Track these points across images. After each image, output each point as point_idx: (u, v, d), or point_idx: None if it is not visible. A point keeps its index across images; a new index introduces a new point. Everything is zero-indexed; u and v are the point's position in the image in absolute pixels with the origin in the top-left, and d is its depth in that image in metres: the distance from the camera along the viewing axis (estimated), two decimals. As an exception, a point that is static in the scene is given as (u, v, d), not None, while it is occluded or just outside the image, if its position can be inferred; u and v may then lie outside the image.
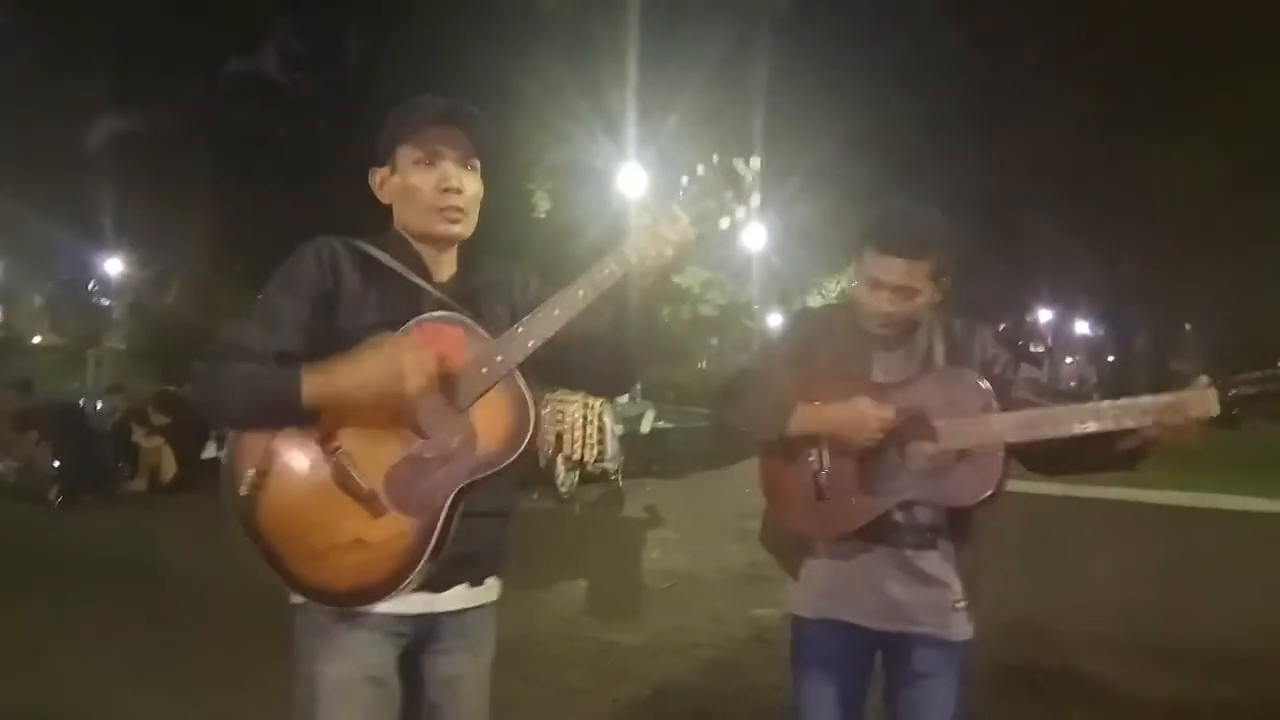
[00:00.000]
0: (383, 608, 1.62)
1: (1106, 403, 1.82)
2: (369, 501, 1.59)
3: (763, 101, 17.96)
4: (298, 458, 1.63)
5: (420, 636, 1.71)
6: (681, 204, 1.62)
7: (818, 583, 2.09)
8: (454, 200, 1.73)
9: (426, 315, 1.65)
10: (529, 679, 4.13)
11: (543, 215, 18.48)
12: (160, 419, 9.53)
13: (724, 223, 1.63)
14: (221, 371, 1.64)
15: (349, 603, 1.62)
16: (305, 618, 1.68)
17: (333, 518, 1.60)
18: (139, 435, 9.43)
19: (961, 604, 2.03)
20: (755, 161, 1.62)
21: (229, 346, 1.65)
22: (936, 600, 2.02)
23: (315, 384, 1.58)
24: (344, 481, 1.60)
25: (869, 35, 21.83)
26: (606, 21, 17.16)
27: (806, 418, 1.99)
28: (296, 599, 1.68)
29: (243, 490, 1.61)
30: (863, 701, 2.13)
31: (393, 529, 1.59)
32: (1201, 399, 1.74)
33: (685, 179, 1.62)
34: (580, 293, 1.60)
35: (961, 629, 2.04)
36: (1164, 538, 7.14)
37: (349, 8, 23.17)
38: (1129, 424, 1.79)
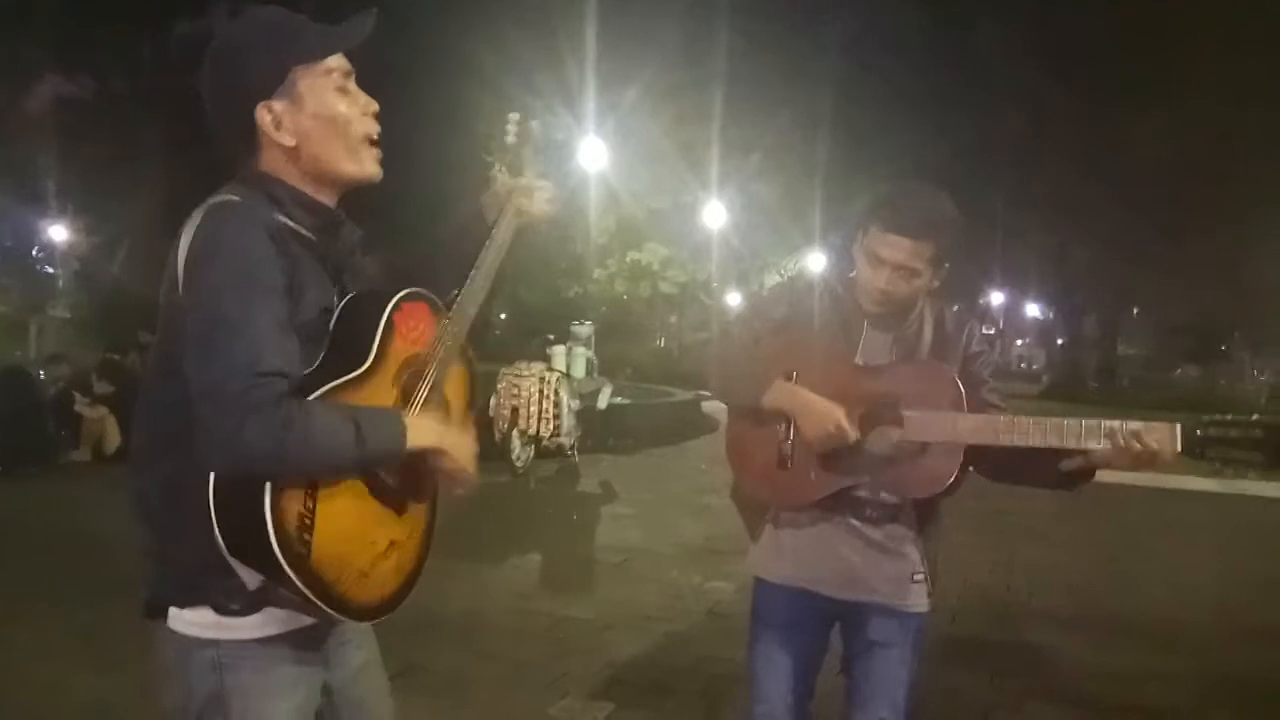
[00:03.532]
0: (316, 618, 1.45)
1: (1071, 420, 1.80)
2: (394, 499, 1.45)
3: (722, 76, 17.93)
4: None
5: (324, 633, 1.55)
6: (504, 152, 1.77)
7: (780, 548, 2.09)
8: (377, 127, 1.50)
9: (407, 293, 1.47)
10: (481, 653, 4.10)
11: (501, 188, 18.31)
12: (104, 388, 9.29)
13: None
14: (297, 417, 1.24)
15: (387, 610, 1.46)
16: (228, 653, 1.40)
17: (372, 528, 1.41)
18: (81, 405, 9.18)
19: (920, 576, 2.04)
20: (536, 125, 1.78)
21: (262, 372, 1.24)
22: (894, 572, 2.03)
23: (420, 436, 1.40)
24: (374, 485, 1.41)
25: (827, 14, 21.89)
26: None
27: (777, 393, 1.98)
28: (207, 632, 1.39)
29: (294, 532, 1.26)
30: (815, 671, 2.14)
31: (413, 520, 1.49)
32: (1165, 432, 1.73)
33: (510, 128, 1.78)
34: (491, 257, 1.62)
35: (918, 601, 2.05)
36: (1112, 515, 7.28)
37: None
38: (1090, 444, 1.77)
